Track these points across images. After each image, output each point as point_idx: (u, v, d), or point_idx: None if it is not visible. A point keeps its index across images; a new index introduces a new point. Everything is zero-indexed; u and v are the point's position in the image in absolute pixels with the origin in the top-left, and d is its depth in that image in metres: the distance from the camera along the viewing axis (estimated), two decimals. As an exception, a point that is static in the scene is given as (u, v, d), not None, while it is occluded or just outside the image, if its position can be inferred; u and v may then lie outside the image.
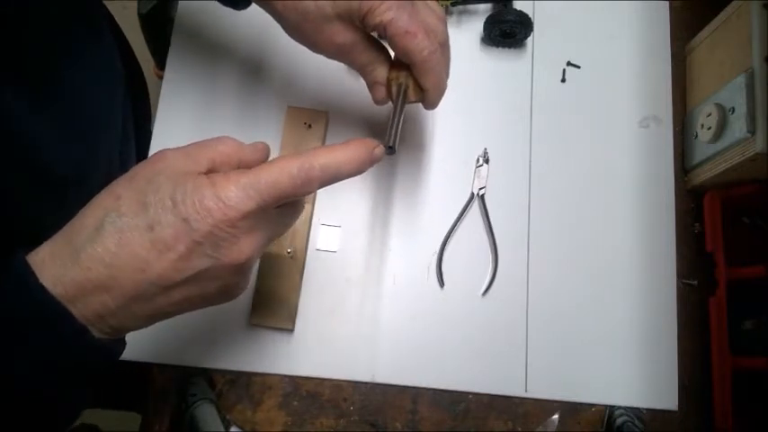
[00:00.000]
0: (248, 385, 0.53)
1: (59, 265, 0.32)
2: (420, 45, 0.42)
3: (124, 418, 0.77)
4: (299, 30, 0.45)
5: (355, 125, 0.60)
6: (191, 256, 0.33)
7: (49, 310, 0.31)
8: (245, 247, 0.34)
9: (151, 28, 0.90)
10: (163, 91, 0.60)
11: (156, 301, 0.34)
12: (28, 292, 0.31)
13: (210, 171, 0.35)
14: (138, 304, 0.33)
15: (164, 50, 0.61)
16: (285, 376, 0.54)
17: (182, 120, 0.59)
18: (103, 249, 0.32)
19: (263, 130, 0.59)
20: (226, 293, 0.37)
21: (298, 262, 0.55)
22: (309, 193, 0.36)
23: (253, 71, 0.61)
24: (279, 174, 0.34)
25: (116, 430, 0.84)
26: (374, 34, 0.46)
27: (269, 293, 0.53)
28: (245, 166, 0.36)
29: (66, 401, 0.35)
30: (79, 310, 0.32)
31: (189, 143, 0.36)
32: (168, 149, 0.35)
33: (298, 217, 0.40)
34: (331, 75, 0.60)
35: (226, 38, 0.62)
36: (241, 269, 0.35)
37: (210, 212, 0.32)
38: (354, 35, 0.44)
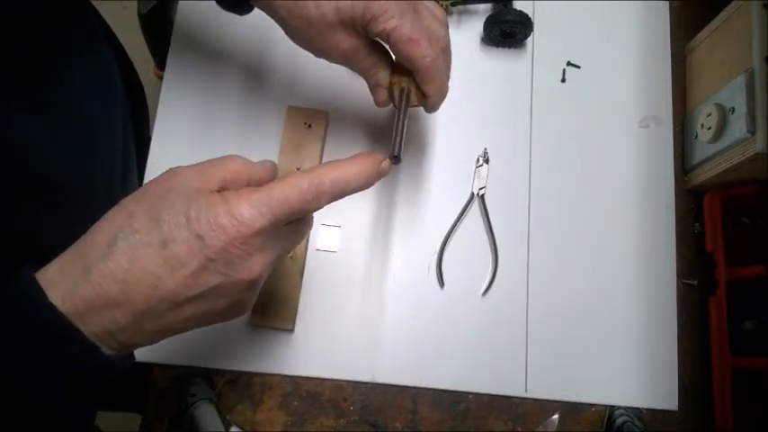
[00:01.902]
0: (248, 385, 0.53)
1: (70, 281, 0.32)
2: (423, 52, 0.42)
3: (124, 419, 0.77)
4: (302, 36, 0.45)
5: (355, 125, 0.60)
6: (203, 273, 0.33)
7: (58, 329, 0.32)
8: (256, 264, 0.35)
9: (151, 28, 0.90)
10: (163, 91, 0.60)
11: (167, 317, 0.34)
12: (37, 311, 0.31)
13: (222, 189, 0.35)
14: (149, 320, 0.34)
15: (164, 51, 0.61)
16: (285, 376, 0.54)
17: (182, 120, 0.59)
18: (116, 265, 0.32)
19: (264, 129, 0.59)
20: (234, 310, 0.37)
21: (298, 262, 0.55)
22: (319, 208, 0.36)
23: (253, 71, 0.61)
24: (290, 190, 0.34)
25: (116, 430, 0.84)
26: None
27: (269, 294, 0.53)
28: (254, 183, 0.37)
29: (74, 417, 0.35)
30: (89, 327, 0.32)
31: (201, 161, 0.36)
32: (181, 167, 0.36)
33: (307, 233, 0.40)
34: (331, 75, 0.60)
35: (226, 38, 0.62)
36: (251, 286, 0.36)
37: (224, 230, 0.33)
38: (357, 41, 0.44)
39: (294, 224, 0.37)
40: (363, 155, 0.38)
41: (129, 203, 0.34)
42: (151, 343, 0.35)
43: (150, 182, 0.36)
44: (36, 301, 0.31)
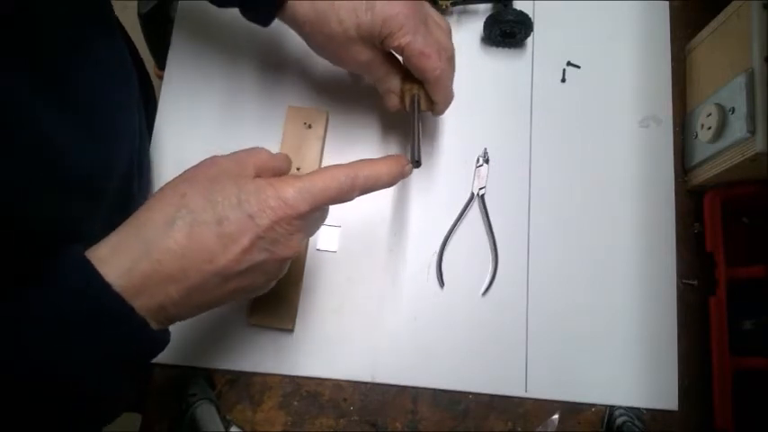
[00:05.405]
0: (248, 385, 0.53)
1: (126, 259, 0.34)
2: (433, 65, 0.46)
3: (124, 419, 0.77)
4: (324, 49, 0.49)
5: (355, 125, 0.60)
6: (252, 249, 0.37)
7: (112, 309, 0.34)
8: (294, 243, 0.39)
9: (151, 28, 0.90)
10: (163, 91, 0.60)
11: (215, 290, 0.37)
12: (91, 291, 0.33)
13: (256, 176, 0.39)
14: (198, 294, 0.36)
15: (164, 51, 0.61)
16: (285, 376, 0.54)
17: (182, 120, 0.59)
18: (175, 243, 0.35)
19: (264, 129, 0.59)
20: (266, 284, 0.41)
21: (298, 262, 0.55)
22: (350, 200, 0.41)
23: (253, 71, 0.61)
24: (330, 181, 0.39)
25: (116, 430, 0.84)
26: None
27: (269, 293, 0.53)
28: (276, 172, 0.41)
29: (118, 392, 0.37)
30: (142, 302, 0.34)
31: (234, 151, 0.40)
32: (218, 156, 0.40)
33: (325, 219, 0.44)
34: (332, 75, 0.60)
35: (226, 38, 0.62)
36: (286, 263, 0.40)
37: (273, 210, 0.37)
38: (373, 53, 0.48)
39: (321, 210, 0.41)
40: (392, 156, 0.43)
41: (180, 185, 0.37)
42: (192, 316, 0.38)
43: (195, 168, 0.39)
44: (91, 281, 0.33)
